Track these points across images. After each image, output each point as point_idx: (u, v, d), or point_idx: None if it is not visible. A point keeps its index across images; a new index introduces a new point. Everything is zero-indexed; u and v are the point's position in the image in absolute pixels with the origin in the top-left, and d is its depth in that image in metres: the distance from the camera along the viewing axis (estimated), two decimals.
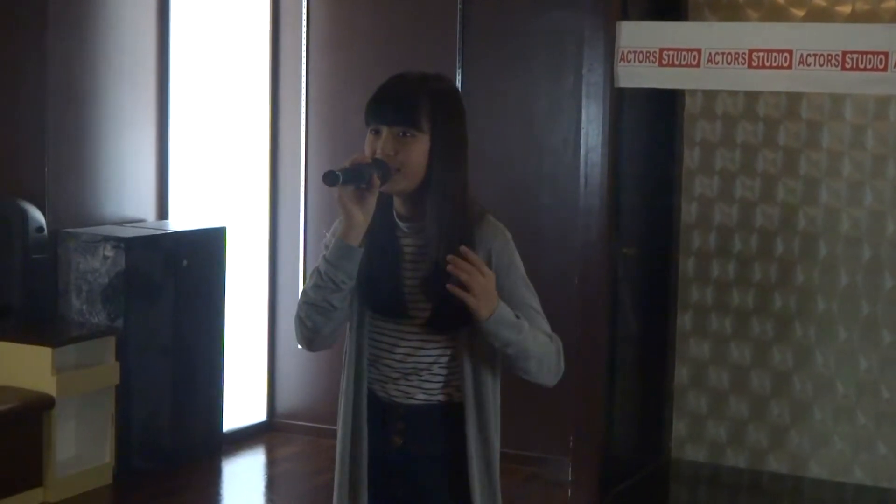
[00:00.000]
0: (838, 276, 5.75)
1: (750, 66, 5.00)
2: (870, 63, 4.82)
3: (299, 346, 2.78)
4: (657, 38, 5.17)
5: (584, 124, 5.37)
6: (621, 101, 5.42)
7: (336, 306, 2.65)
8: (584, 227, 5.40)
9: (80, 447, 5.70)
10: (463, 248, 2.55)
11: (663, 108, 5.96)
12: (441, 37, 6.24)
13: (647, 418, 6.03)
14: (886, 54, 4.79)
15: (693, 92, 5.88)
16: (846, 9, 5.64)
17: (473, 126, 2.77)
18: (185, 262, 5.96)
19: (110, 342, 5.65)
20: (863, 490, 5.70)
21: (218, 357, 6.23)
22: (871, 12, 5.60)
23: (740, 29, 5.34)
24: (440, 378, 2.73)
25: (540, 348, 2.67)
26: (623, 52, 5.19)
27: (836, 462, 5.75)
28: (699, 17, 5.83)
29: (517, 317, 2.62)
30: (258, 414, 6.69)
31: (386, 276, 2.70)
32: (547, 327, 2.72)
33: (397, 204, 2.73)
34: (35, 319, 5.70)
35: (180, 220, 6.34)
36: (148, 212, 6.28)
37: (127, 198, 6.16)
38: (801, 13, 5.71)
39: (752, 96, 5.81)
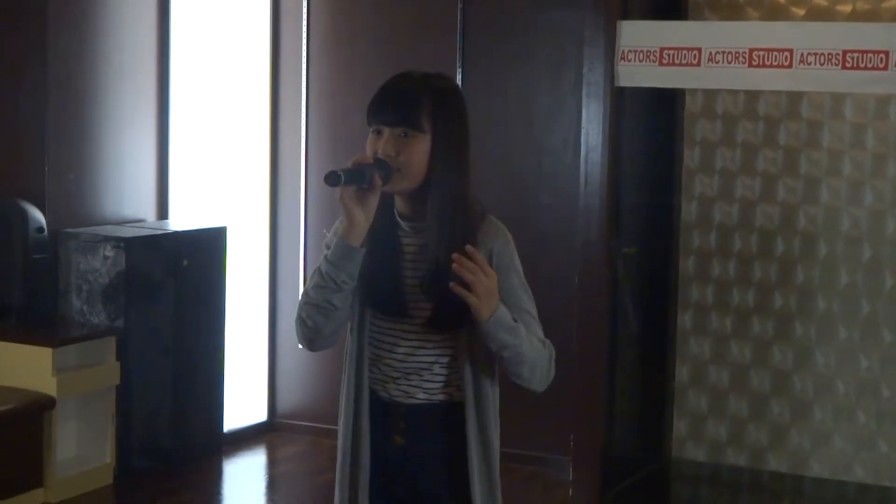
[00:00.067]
0: (838, 276, 5.75)
1: (750, 66, 5.00)
2: (870, 62, 4.82)
3: (300, 346, 2.78)
4: (657, 37, 5.17)
5: (584, 124, 5.37)
6: (622, 101, 5.42)
7: (337, 306, 2.65)
8: (584, 227, 5.40)
9: (81, 447, 5.70)
10: (469, 248, 2.55)
11: (663, 107, 5.96)
12: (441, 36, 6.24)
13: (648, 417, 6.03)
14: (887, 53, 4.79)
15: (693, 91, 5.88)
16: (847, 8, 5.64)
17: (473, 125, 2.76)
18: (185, 262, 5.96)
19: (111, 342, 5.65)
20: (864, 489, 5.70)
21: (218, 357, 6.23)
22: (871, 11, 5.60)
23: (741, 28, 5.34)
24: (441, 378, 2.73)
25: (533, 353, 2.67)
26: (623, 52, 5.19)
27: (836, 461, 5.75)
28: (699, 17, 5.83)
29: (514, 320, 2.63)
30: (259, 414, 6.69)
31: (387, 275, 2.70)
32: (541, 333, 2.73)
33: (399, 203, 2.73)
34: (35, 319, 5.70)
35: (180, 219, 6.34)
36: (148, 212, 6.28)
37: (127, 197, 6.16)
38: (801, 12, 5.71)
39: (753, 95, 5.81)
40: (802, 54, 4.91)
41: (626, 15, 5.32)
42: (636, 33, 5.20)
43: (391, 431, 2.76)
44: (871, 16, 5.58)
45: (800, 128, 5.79)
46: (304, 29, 6.54)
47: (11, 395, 5.34)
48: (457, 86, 2.85)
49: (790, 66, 4.93)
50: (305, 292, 2.69)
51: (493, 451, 2.75)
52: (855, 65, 4.84)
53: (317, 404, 6.55)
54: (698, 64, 5.07)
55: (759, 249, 5.87)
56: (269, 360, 6.70)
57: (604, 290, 5.39)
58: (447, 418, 2.74)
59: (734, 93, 5.82)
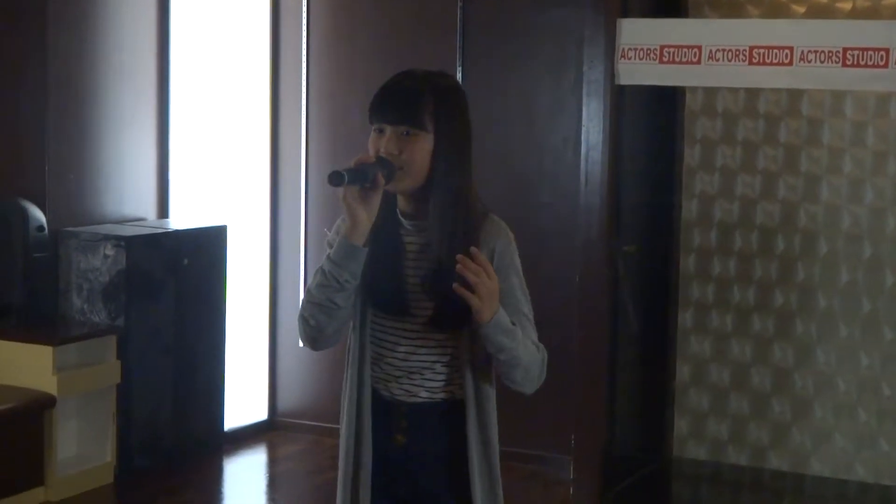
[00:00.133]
0: (839, 273, 5.75)
1: (750, 63, 5.00)
2: (870, 60, 4.82)
3: (302, 345, 2.78)
4: (658, 35, 5.17)
5: (584, 122, 5.37)
6: (622, 99, 5.42)
7: (340, 305, 2.65)
8: (584, 225, 5.40)
9: (82, 446, 5.70)
10: (473, 250, 2.55)
11: (664, 105, 5.96)
12: (442, 35, 6.23)
13: (648, 416, 6.02)
14: (887, 51, 4.79)
15: (694, 89, 5.88)
16: (847, 5, 5.64)
17: (473, 124, 2.76)
18: (185, 261, 5.96)
19: (111, 341, 5.65)
20: (864, 487, 5.70)
21: (219, 356, 6.23)
22: (871, 9, 5.60)
23: (741, 26, 5.34)
24: (442, 376, 2.73)
25: (528, 357, 2.68)
26: (624, 50, 5.19)
27: (837, 459, 5.75)
28: (700, 14, 5.82)
29: (512, 323, 2.63)
30: (259, 412, 6.69)
31: (389, 273, 2.70)
32: (535, 336, 2.73)
33: (401, 202, 2.73)
34: (36, 318, 5.70)
35: (181, 218, 6.34)
36: (148, 210, 6.27)
37: (127, 196, 6.16)
38: (801, 10, 5.71)
39: (753, 93, 5.81)
40: (803, 52, 4.91)
41: (627, 13, 5.32)
42: (636, 31, 5.20)
43: (393, 430, 2.76)
44: (872, 13, 5.58)
45: (800, 125, 5.79)
46: (304, 27, 6.54)
47: (12, 394, 5.34)
48: (459, 84, 2.84)
49: (790, 63, 4.93)
50: (308, 291, 2.69)
51: (494, 450, 2.75)
52: (855, 62, 4.84)
53: (317, 403, 6.55)
54: (698, 62, 5.07)
55: (760, 247, 5.87)
56: (270, 359, 6.69)
57: (604, 288, 5.39)
58: (448, 417, 2.74)
59: (734, 90, 5.82)
